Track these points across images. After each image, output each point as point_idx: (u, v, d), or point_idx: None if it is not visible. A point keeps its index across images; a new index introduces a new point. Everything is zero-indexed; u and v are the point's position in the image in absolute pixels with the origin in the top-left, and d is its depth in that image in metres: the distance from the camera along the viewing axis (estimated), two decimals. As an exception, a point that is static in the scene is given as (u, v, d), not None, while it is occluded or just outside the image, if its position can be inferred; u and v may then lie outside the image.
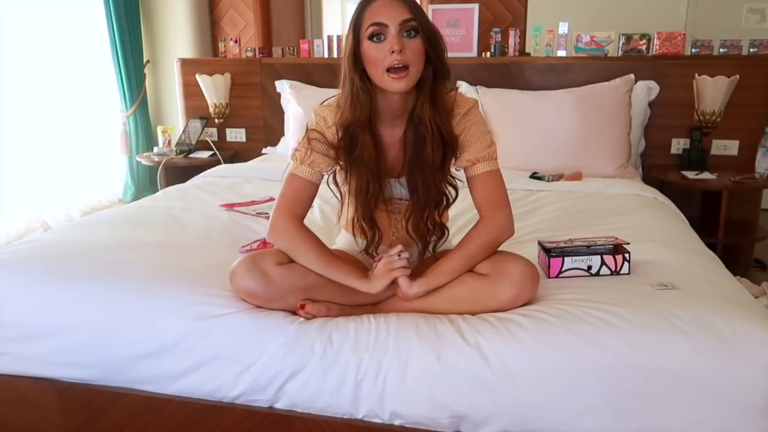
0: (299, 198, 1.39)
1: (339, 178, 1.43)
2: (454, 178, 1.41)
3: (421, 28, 1.27)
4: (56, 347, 1.43)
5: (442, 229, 1.42)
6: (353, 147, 1.34)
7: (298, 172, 1.38)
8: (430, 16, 3.12)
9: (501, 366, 1.23)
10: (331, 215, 1.56)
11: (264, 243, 1.81)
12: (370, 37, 1.26)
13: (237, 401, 1.35)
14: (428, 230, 1.40)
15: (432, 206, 1.38)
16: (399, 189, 1.42)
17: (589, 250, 1.50)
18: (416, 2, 1.30)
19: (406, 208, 1.41)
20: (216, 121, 3.51)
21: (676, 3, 4.13)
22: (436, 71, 1.32)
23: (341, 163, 1.37)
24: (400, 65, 1.25)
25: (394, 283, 1.37)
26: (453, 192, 1.41)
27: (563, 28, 3.06)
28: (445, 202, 1.40)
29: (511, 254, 1.37)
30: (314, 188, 1.40)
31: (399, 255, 1.32)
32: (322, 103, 1.41)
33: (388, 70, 1.25)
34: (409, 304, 1.37)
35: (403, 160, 1.39)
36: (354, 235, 1.48)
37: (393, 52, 1.24)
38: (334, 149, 1.36)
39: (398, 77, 1.25)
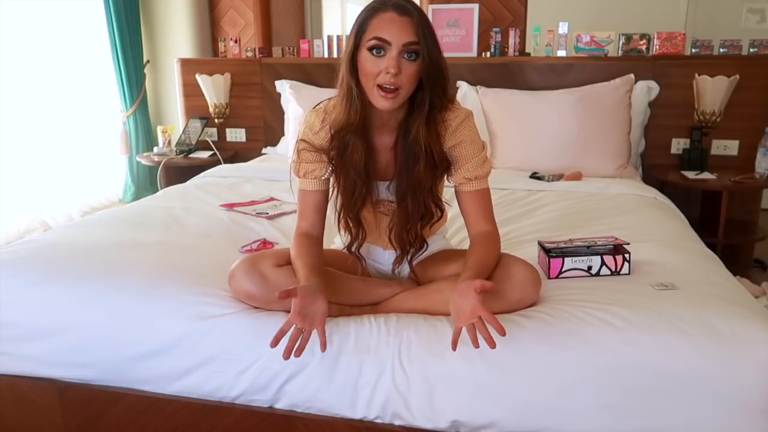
0: (302, 211, 1.43)
1: (332, 178, 1.44)
2: (440, 200, 1.41)
3: (423, 52, 1.24)
4: (56, 347, 1.43)
5: (421, 243, 1.41)
6: (344, 150, 1.34)
7: (301, 186, 1.42)
8: (429, 16, 3.12)
9: (500, 367, 1.23)
10: (330, 214, 1.56)
11: (264, 243, 1.81)
12: (370, 49, 1.24)
13: (237, 401, 1.35)
14: (409, 242, 1.39)
15: (417, 219, 1.37)
16: (388, 193, 1.42)
17: (589, 250, 1.49)
18: (427, 23, 1.26)
19: (392, 215, 1.41)
20: (216, 121, 3.51)
21: (676, 3, 4.13)
22: (432, 99, 1.30)
23: (332, 163, 1.37)
24: (391, 87, 1.24)
25: (399, 284, 1.39)
26: (439, 212, 1.40)
27: (563, 28, 3.06)
28: (429, 218, 1.39)
29: (514, 258, 1.37)
30: (318, 195, 1.42)
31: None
32: (312, 108, 1.41)
33: (379, 86, 1.25)
34: (410, 305, 1.37)
35: (394, 167, 1.39)
36: (339, 231, 1.49)
37: (389, 73, 1.22)
38: (324, 152, 1.37)
39: (386, 96, 1.25)
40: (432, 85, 1.29)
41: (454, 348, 1.19)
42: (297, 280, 1.29)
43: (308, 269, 1.29)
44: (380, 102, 1.26)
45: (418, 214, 1.37)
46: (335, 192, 1.42)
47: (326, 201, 1.44)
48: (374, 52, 1.24)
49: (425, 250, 1.43)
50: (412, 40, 1.23)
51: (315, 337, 1.30)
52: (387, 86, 1.24)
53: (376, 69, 1.24)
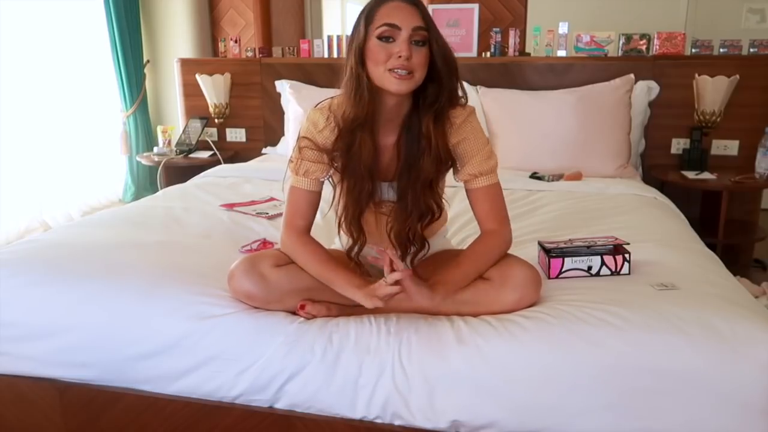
0: (299, 209, 1.40)
1: (334, 179, 1.43)
2: (440, 198, 1.40)
3: (431, 40, 1.26)
4: (56, 347, 1.43)
5: (422, 242, 1.39)
6: (351, 146, 1.33)
7: (296, 184, 1.40)
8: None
9: (501, 367, 1.23)
10: (331, 215, 1.56)
11: (264, 243, 1.81)
12: (380, 37, 1.25)
13: (237, 401, 1.35)
14: (409, 240, 1.38)
15: (415, 218, 1.36)
16: (390, 193, 1.41)
17: (589, 250, 1.49)
18: (429, 15, 1.28)
19: (391, 213, 1.40)
20: (216, 121, 3.51)
21: (676, 3, 4.13)
22: (442, 92, 1.30)
23: (336, 163, 1.36)
24: (405, 71, 1.24)
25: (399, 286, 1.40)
26: (438, 210, 1.39)
27: (563, 28, 3.06)
28: (429, 217, 1.38)
29: (514, 258, 1.37)
30: (314, 196, 1.41)
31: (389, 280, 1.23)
32: (315, 106, 1.41)
33: (390, 71, 1.25)
34: (410, 305, 1.37)
35: (396, 166, 1.38)
36: (339, 234, 1.48)
37: (400, 57, 1.23)
38: (326, 152, 1.36)
39: (400, 78, 1.25)
40: (447, 76, 1.29)
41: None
42: (336, 277, 1.32)
43: (344, 267, 1.34)
44: (393, 84, 1.25)
45: (417, 212, 1.36)
46: (337, 195, 1.42)
47: (319, 201, 1.43)
48: (384, 39, 1.25)
49: (427, 250, 1.42)
50: (420, 24, 1.25)
51: (315, 337, 1.30)
52: (399, 70, 1.24)
53: (387, 55, 1.25)
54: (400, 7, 1.25)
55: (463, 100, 1.37)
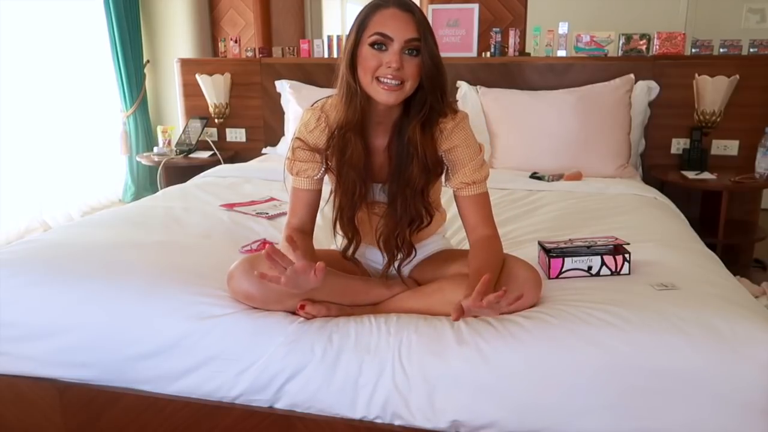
0: (296, 208, 1.43)
1: (328, 179, 1.43)
2: (431, 205, 1.39)
3: (423, 49, 1.24)
4: (56, 347, 1.43)
5: (409, 249, 1.39)
6: (344, 149, 1.33)
7: (294, 184, 1.42)
8: (429, 16, 3.12)
9: (501, 367, 1.23)
10: (331, 215, 1.56)
11: (264, 243, 1.81)
12: (372, 44, 1.24)
13: (237, 401, 1.35)
14: (396, 246, 1.38)
15: (405, 223, 1.36)
16: (382, 195, 1.41)
17: (589, 250, 1.49)
18: (427, 22, 1.27)
19: (381, 218, 1.40)
20: (216, 121, 3.51)
21: (676, 3, 4.13)
22: (432, 101, 1.30)
23: (329, 163, 1.37)
24: (395, 81, 1.24)
25: (395, 284, 1.39)
26: (428, 218, 1.38)
27: (563, 28, 3.06)
28: (417, 224, 1.37)
29: (515, 259, 1.37)
30: (311, 194, 1.42)
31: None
32: (310, 105, 1.41)
33: (378, 80, 1.24)
34: (410, 305, 1.37)
35: (388, 169, 1.38)
36: (335, 235, 1.49)
37: (390, 67, 1.23)
38: (318, 152, 1.36)
39: (389, 89, 1.24)
40: (432, 86, 1.28)
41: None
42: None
43: (300, 252, 1.25)
44: (382, 96, 1.25)
45: (406, 218, 1.35)
46: (332, 194, 1.42)
47: (318, 199, 1.43)
48: (376, 47, 1.24)
49: (414, 257, 1.42)
50: (413, 36, 1.23)
51: (315, 337, 1.30)
52: (388, 80, 1.23)
53: (377, 63, 1.24)
54: (395, 15, 1.24)
55: (454, 108, 1.37)
